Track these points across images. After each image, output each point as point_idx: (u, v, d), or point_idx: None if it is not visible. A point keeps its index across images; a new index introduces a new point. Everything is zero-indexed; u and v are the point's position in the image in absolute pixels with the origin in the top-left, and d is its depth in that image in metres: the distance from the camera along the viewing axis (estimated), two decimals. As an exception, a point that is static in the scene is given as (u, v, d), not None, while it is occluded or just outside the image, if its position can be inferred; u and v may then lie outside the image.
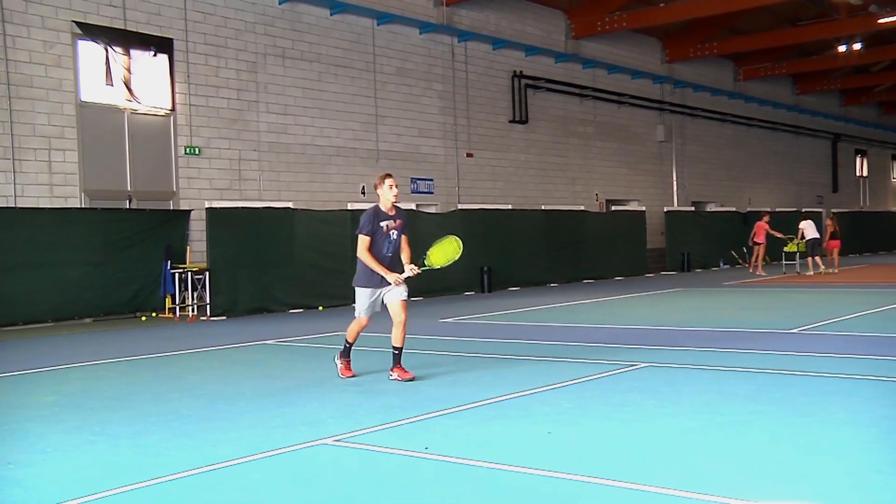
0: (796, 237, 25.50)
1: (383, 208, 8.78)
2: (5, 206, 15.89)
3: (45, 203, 16.49)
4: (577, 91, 28.60)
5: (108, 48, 17.40)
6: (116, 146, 17.82)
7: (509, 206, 24.30)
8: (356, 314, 8.89)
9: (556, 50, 27.79)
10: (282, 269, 18.00)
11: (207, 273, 16.96)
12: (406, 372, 8.68)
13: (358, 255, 8.68)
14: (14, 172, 16.23)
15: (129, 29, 17.78)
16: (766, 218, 26.28)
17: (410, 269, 8.67)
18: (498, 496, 4.93)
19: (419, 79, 23.76)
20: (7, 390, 9.13)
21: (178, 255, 17.46)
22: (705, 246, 30.40)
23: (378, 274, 8.59)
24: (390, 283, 8.62)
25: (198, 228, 18.05)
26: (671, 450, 5.80)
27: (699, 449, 5.81)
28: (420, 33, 23.71)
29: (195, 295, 17.29)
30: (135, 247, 16.98)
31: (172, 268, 17.15)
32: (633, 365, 9.26)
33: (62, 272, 16.02)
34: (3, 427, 7.16)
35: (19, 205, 16.08)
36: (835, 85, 40.77)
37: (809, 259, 25.00)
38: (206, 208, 17.22)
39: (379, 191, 8.79)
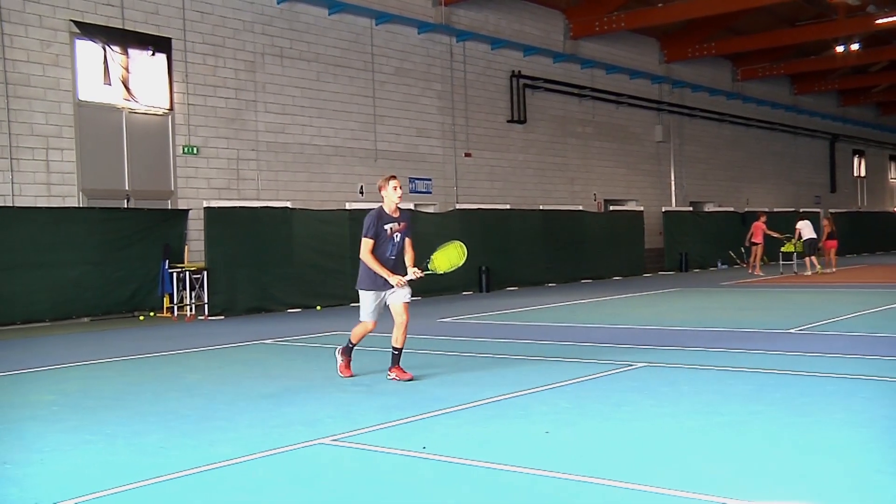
0: (793, 237, 25.53)
1: (387, 210, 8.72)
2: (3, 205, 15.85)
3: (42, 202, 16.46)
4: (575, 91, 28.60)
5: (106, 47, 17.38)
6: (114, 145, 17.80)
7: (508, 206, 24.30)
8: (362, 318, 8.79)
9: (555, 50, 27.79)
10: (280, 268, 17.99)
11: (205, 272, 16.95)
12: (404, 372, 8.67)
13: (361, 257, 8.65)
14: (12, 172, 16.20)
15: (126, 28, 17.76)
16: (763, 218, 26.29)
17: (413, 273, 8.63)
18: (496, 496, 4.93)
19: (418, 78, 23.75)
20: (5, 390, 9.12)
21: (176, 254, 17.44)
22: (703, 246, 30.42)
23: (382, 276, 8.56)
24: (412, 278, 8.58)
25: (196, 228, 18.03)
26: (670, 450, 5.79)
27: (698, 449, 5.80)
28: (418, 33, 23.70)
29: (193, 294, 17.27)
30: (133, 246, 16.96)
31: (170, 267, 17.14)
32: (631, 365, 9.26)
33: (60, 272, 16.00)
34: (2, 426, 7.15)
35: (17, 204, 16.05)
36: (833, 85, 40.81)
37: (807, 259, 25.02)
38: (204, 208, 17.21)
39: (383, 192, 8.71)
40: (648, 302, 17.89)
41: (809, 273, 24.58)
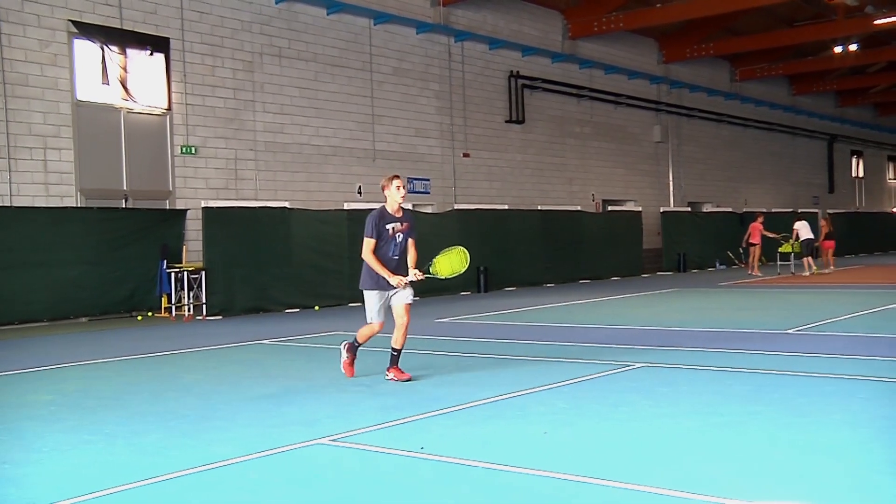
0: (790, 237, 25.57)
1: (390, 210, 8.67)
2: (1, 205, 15.84)
3: (40, 202, 16.45)
4: (573, 91, 28.61)
5: (105, 47, 17.37)
6: (112, 145, 17.78)
7: (506, 207, 24.31)
8: (369, 319, 8.72)
9: (553, 50, 27.80)
10: (278, 268, 17.98)
11: (203, 272, 16.94)
12: (403, 373, 8.66)
13: (363, 257, 8.62)
14: (10, 171, 16.19)
15: (125, 28, 17.75)
16: (760, 219, 26.33)
17: (414, 274, 8.58)
18: (495, 496, 4.93)
19: (416, 79, 23.75)
20: (3, 390, 9.11)
21: (174, 254, 17.44)
22: (701, 246, 30.44)
23: (389, 268, 8.51)
24: (412, 279, 8.54)
25: (194, 228, 18.01)
26: (668, 450, 5.79)
27: (696, 449, 5.81)
28: (417, 33, 23.70)
29: (191, 294, 17.26)
30: (131, 246, 16.95)
31: (168, 267, 17.13)
32: (629, 365, 9.26)
33: (58, 271, 15.99)
34: (0, 426, 7.15)
35: (15, 204, 16.04)
36: (831, 86, 40.84)
37: (805, 259, 25.04)
38: (203, 208, 17.20)
39: (386, 192, 8.67)
40: (646, 302, 17.89)
41: (807, 273, 24.60)
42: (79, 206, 16.93)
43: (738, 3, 26.97)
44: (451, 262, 8.83)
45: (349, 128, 21.99)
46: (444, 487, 5.12)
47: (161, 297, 17.23)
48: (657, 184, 32.66)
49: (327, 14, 21.51)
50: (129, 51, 17.81)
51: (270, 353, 11.48)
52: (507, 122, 26.43)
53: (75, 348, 12.59)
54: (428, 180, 23.92)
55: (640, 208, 29.34)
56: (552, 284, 24.27)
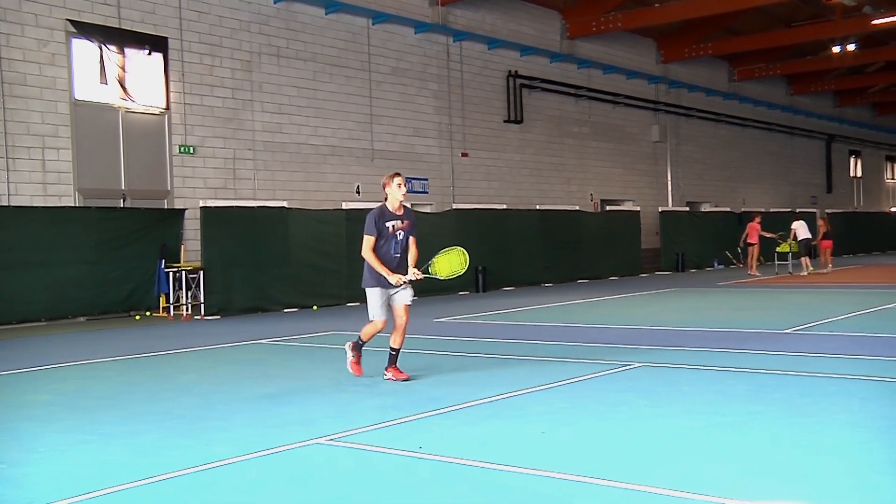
0: (787, 237, 25.60)
1: (391, 208, 8.62)
2: (-1, 204, 15.85)
3: (38, 202, 16.43)
4: (572, 91, 28.61)
5: (103, 46, 17.36)
6: (111, 145, 17.77)
7: (504, 206, 24.30)
8: (371, 317, 8.65)
9: (552, 50, 27.80)
10: (276, 268, 17.97)
11: (202, 272, 16.92)
12: (401, 372, 8.65)
13: (362, 254, 8.58)
14: (7, 171, 16.17)
15: (123, 27, 17.74)
16: (757, 219, 26.36)
17: (413, 273, 8.54)
18: (493, 496, 4.92)
19: (414, 78, 23.75)
20: (1, 390, 9.09)
21: (172, 254, 17.43)
22: (700, 246, 30.45)
23: (391, 266, 8.46)
24: (412, 279, 8.50)
25: (192, 227, 18.00)
26: (667, 450, 5.79)
27: (696, 449, 5.80)
28: (415, 33, 23.69)
29: (189, 294, 17.25)
30: (129, 246, 16.94)
31: (167, 267, 17.12)
32: (627, 365, 9.25)
33: (56, 271, 15.97)
34: (-4, 426, 7.13)
35: (13, 203, 16.02)
36: (829, 86, 40.87)
37: (802, 259, 25.05)
38: (201, 207, 17.18)
39: (387, 190, 8.63)
40: (645, 302, 17.89)
41: (805, 273, 24.61)
42: (77, 205, 16.92)
43: (736, 3, 26.99)
44: (451, 263, 8.78)
45: (347, 127, 21.99)
46: (442, 487, 5.11)
47: (159, 296, 17.22)
48: (655, 183, 32.66)
49: (325, 14, 21.51)
50: (127, 50, 17.79)
51: (268, 353, 11.47)
52: (505, 121, 26.43)
53: (73, 348, 12.58)
54: (426, 180, 23.91)
55: (638, 208, 29.36)
56: (550, 284, 24.27)
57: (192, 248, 17.90)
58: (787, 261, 26.25)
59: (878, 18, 28.94)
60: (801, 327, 12.31)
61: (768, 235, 25.97)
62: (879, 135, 48.97)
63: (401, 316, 8.63)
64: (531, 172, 27.31)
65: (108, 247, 16.66)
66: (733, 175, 37.20)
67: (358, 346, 8.91)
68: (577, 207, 27.07)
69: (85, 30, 17.13)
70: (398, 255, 8.60)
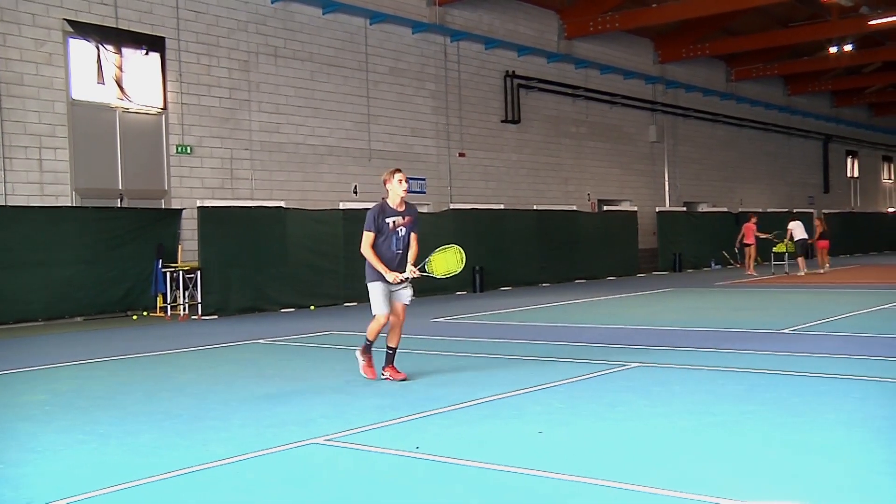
0: (783, 236, 25.66)
1: (392, 204, 8.57)
2: (-4, 204, 15.84)
3: (35, 202, 16.42)
4: (569, 91, 28.62)
5: (100, 46, 17.35)
6: (108, 145, 17.76)
7: (501, 206, 24.31)
8: (374, 311, 8.58)
9: (549, 50, 27.81)
10: (274, 268, 17.97)
11: (199, 272, 16.92)
12: (398, 372, 8.66)
13: (361, 251, 8.53)
14: (4, 171, 16.16)
15: (120, 27, 17.73)
16: (753, 219, 26.43)
17: (411, 271, 8.48)
18: (490, 496, 4.93)
19: (412, 78, 23.75)
20: (-3, 389, 9.10)
21: (169, 253, 17.42)
22: (697, 246, 30.48)
23: (392, 264, 8.42)
24: (409, 276, 8.43)
25: (189, 227, 18.00)
26: (663, 449, 5.80)
27: (691, 449, 5.81)
28: (413, 33, 23.69)
29: (186, 294, 17.25)
30: (126, 245, 16.93)
31: (164, 266, 17.11)
32: (624, 365, 9.27)
33: (53, 271, 15.97)
34: (-6, 426, 7.13)
35: (10, 203, 16.01)
36: (826, 86, 40.92)
37: (799, 259, 25.09)
38: (198, 207, 17.18)
39: (388, 186, 8.58)
40: (642, 302, 17.91)
41: (802, 273, 24.64)
42: (74, 205, 16.91)
43: (733, 4, 27.02)
44: (447, 261, 8.71)
45: (345, 127, 21.99)
46: (439, 487, 5.12)
47: (156, 296, 17.21)
48: (653, 184, 32.69)
49: (323, 13, 21.50)
50: (124, 50, 17.79)
51: (266, 353, 11.47)
52: (502, 121, 26.44)
53: (70, 348, 12.57)
54: (424, 180, 23.92)
55: (635, 208, 29.39)
56: (548, 284, 24.28)
57: (189, 248, 17.89)
58: (783, 261, 26.29)
59: (875, 19, 28.98)
60: (797, 327, 12.33)
61: (763, 236, 26.02)
62: (876, 135, 49.03)
63: (398, 315, 8.63)
64: (528, 172, 27.33)
65: (105, 246, 16.66)
66: (730, 175, 37.24)
67: (367, 349, 8.78)
68: (575, 207, 27.09)
69: (82, 29, 17.13)
70: (400, 252, 8.55)
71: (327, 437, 6.32)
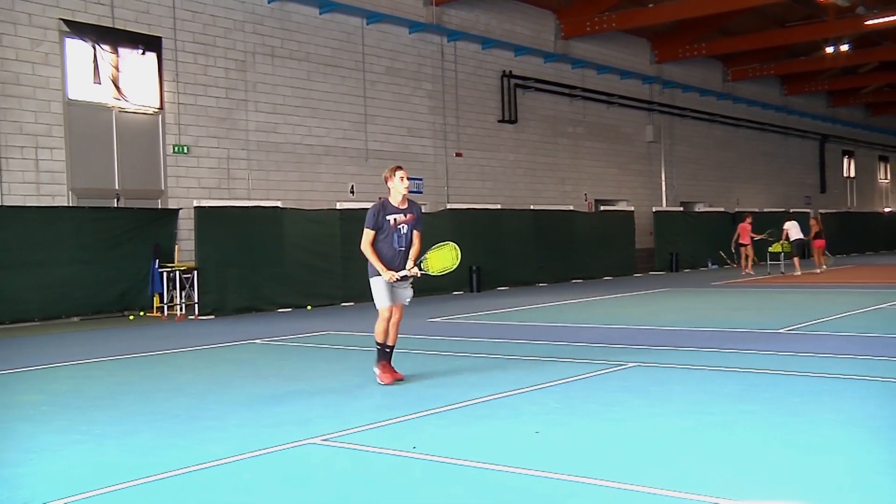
0: (778, 237, 25.70)
1: (393, 202, 8.52)
2: (-8, 204, 15.82)
3: (31, 202, 16.40)
4: (566, 91, 28.63)
5: (96, 46, 17.33)
6: (104, 144, 17.74)
7: (498, 206, 24.32)
8: (378, 306, 8.47)
9: (546, 50, 27.82)
10: (271, 268, 17.96)
11: (196, 272, 16.91)
12: (395, 372, 8.64)
13: (361, 248, 8.49)
14: (0, 171, 16.14)
15: (117, 27, 17.71)
16: (748, 219, 26.48)
17: (408, 269, 8.41)
18: (487, 496, 4.93)
19: (409, 78, 23.75)
20: (-6, 389, 9.09)
21: (166, 253, 17.40)
22: (694, 246, 30.51)
23: (394, 261, 8.37)
24: (406, 274, 8.38)
25: (186, 227, 17.99)
26: (660, 449, 5.80)
27: (688, 448, 5.82)
28: (409, 33, 23.69)
29: (183, 294, 17.23)
30: (123, 245, 16.92)
31: (160, 267, 17.10)
32: (621, 364, 9.27)
33: (50, 271, 15.95)
34: (-10, 426, 7.12)
35: (6, 203, 15.99)
36: (823, 86, 40.98)
37: (795, 259, 25.13)
38: (195, 207, 17.17)
39: (390, 184, 8.52)
40: (639, 302, 17.92)
41: (798, 273, 24.67)
42: (70, 205, 16.89)
43: (729, 4, 27.06)
44: (442, 258, 8.62)
45: (342, 127, 21.98)
46: (436, 487, 5.12)
47: (153, 296, 17.20)
48: (649, 183, 32.71)
49: (320, 13, 21.50)
50: (121, 50, 17.77)
51: (263, 353, 11.46)
52: (499, 121, 26.44)
53: (67, 348, 12.56)
54: (421, 180, 23.91)
55: (632, 208, 29.40)
56: (545, 284, 24.29)
57: (186, 248, 17.88)
58: (779, 261, 26.32)
59: (871, 19, 29.05)
60: (793, 327, 12.34)
61: (757, 237, 26.07)
62: (872, 135, 49.10)
63: (396, 313, 8.61)
64: (525, 172, 27.33)
65: (102, 247, 16.64)
66: (727, 175, 37.27)
67: (381, 355, 8.53)
68: (572, 207, 27.09)
69: (78, 29, 17.11)
70: (402, 249, 8.49)
71: (324, 437, 6.32)
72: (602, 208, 28.63)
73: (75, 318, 16.50)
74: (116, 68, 17.66)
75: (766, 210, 34.38)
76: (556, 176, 28.51)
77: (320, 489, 5.15)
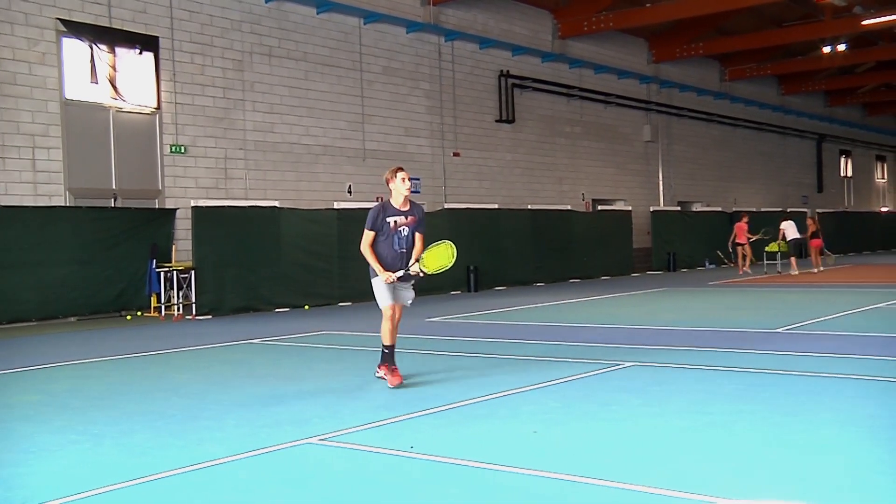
0: (772, 236, 25.74)
1: (395, 203, 8.47)
2: (-11, 204, 15.79)
3: (29, 201, 16.37)
4: (563, 91, 28.64)
5: (93, 46, 17.31)
6: (101, 144, 17.72)
7: (496, 206, 24.31)
8: (381, 305, 8.43)
9: (543, 50, 27.82)
10: (268, 268, 17.94)
11: (193, 272, 16.89)
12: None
13: (360, 249, 8.47)
14: (-2, 170, 16.13)
15: (114, 27, 17.69)
16: (745, 219, 26.51)
17: (403, 271, 8.32)
18: (485, 496, 4.93)
19: (406, 78, 23.74)
20: (-9, 390, 9.07)
21: (163, 253, 17.39)
22: (691, 246, 30.52)
23: (395, 263, 8.33)
24: (408, 274, 8.34)
25: (183, 227, 17.97)
26: (658, 449, 5.80)
27: (686, 448, 5.82)
28: (407, 32, 23.68)
29: (181, 294, 17.22)
30: (120, 245, 16.90)
31: (158, 266, 17.08)
32: (619, 364, 9.27)
33: (47, 271, 15.92)
34: (-13, 427, 7.11)
35: (3, 203, 15.95)
36: (820, 86, 41.01)
37: (792, 259, 25.15)
38: (192, 207, 17.15)
39: (391, 185, 8.47)
40: (637, 301, 17.93)
41: (795, 273, 24.69)
42: (68, 205, 16.86)
43: (727, 4, 27.06)
44: (438, 257, 8.50)
45: (339, 127, 21.97)
46: (433, 487, 5.11)
47: (150, 296, 17.19)
48: (647, 183, 32.72)
49: (317, 13, 21.48)
50: (118, 49, 17.75)
51: (260, 353, 11.46)
52: (497, 121, 26.44)
53: (64, 348, 12.54)
54: (418, 180, 23.89)
55: (630, 208, 29.40)
56: (542, 284, 24.29)
57: (183, 248, 17.86)
58: (775, 260, 26.34)
59: (868, 19, 29.07)
60: (791, 326, 12.35)
61: (753, 238, 26.09)
62: (869, 134, 49.15)
63: (395, 313, 8.59)
64: (523, 172, 27.33)
65: (99, 247, 16.62)
66: (725, 175, 37.30)
67: (386, 358, 8.46)
68: (569, 207, 27.08)
69: (75, 29, 17.08)
70: (403, 251, 8.43)
71: (321, 437, 6.32)
72: (599, 208, 28.63)
73: (72, 318, 16.48)
74: (113, 68, 17.64)
75: (763, 210, 34.39)
76: (553, 176, 28.51)
77: (318, 489, 5.14)
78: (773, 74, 38.52)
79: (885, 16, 28.78)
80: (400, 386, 8.24)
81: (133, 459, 5.89)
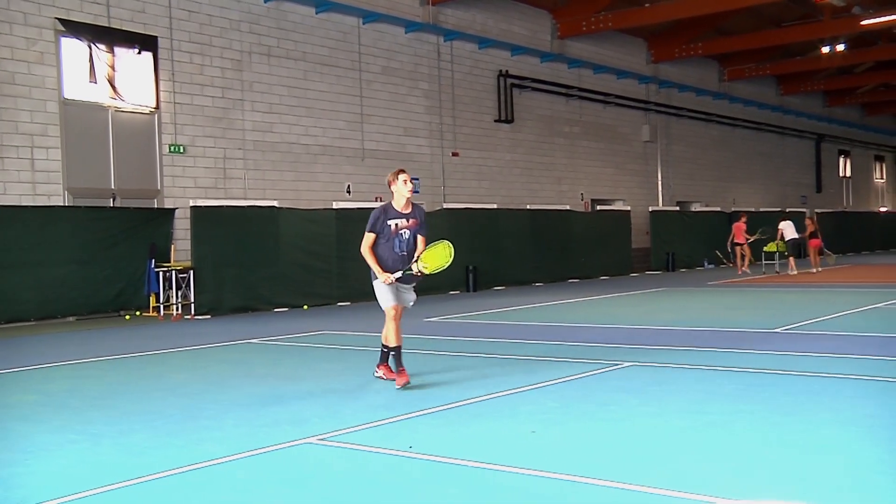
0: (771, 236, 25.75)
1: (396, 206, 8.41)
2: (-13, 204, 15.77)
3: (27, 201, 16.36)
4: (562, 91, 28.64)
5: (92, 45, 17.29)
6: (100, 144, 17.71)
7: (495, 206, 24.31)
8: (384, 306, 8.41)
9: (542, 50, 27.82)
10: (267, 268, 17.94)
11: (192, 272, 16.88)
12: (392, 371, 8.63)
13: (360, 251, 8.45)
14: (-4, 170, 16.12)
15: (113, 26, 17.67)
16: (743, 219, 26.53)
17: (408, 268, 8.26)
18: (484, 495, 4.92)
19: (405, 78, 23.74)
20: (-11, 389, 9.06)
21: (162, 253, 17.38)
22: (690, 246, 30.53)
23: (396, 265, 8.29)
24: (409, 275, 8.30)
25: (182, 227, 17.96)
26: (658, 449, 5.80)
27: (685, 448, 5.81)
28: (406, 32, 23.68)
29: (179, 294, 17.21)
30: (119, 245, 16.89)
31: (157, 266, 17.07)
32: (618, 364, 9.27)
33: (45, 271, 15.91)
34: (-15, 426, 7.10)
35: (2, 203, 15.94)
36: (819, 86, 41.03)
37: (790, 259, 25.14)
38: (191, 207, 17.14)
39: (393, 187, 8.40)
40: (635, 301, 17.93)
41: (793, 273, 24.69)
42: (66, 205, 16.85)
43: (726, 4, 27.07)
44: (436, 257, 8.45)
45: (338, 127, 21.96)
46: (432, 487, 5.11)
47: (149, 296, 17.17)
48: (646, 183, 32.72)
49: (316, 13, 21.47)
50: (116, 49, 17.73)
51: (259, 353, 11.45)
52: (496, 121, 26.44)
53: (63, 348, 12.53)
54: (417, 179, 23.86)
55: (629, 208, 29.40)
56: (541, 284, 24.29)
57: (182, 248, 17.85)
58: (773, 260, 26.34)
59: (867, 19, 29.09)
60: (790, 326, 12.35)
61: (751, 238, 26.10)
62: (868, 135, 49.18)
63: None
64: (522, 172, 27.33)
65: (98, 246, 16.61)
66: (724, 175, 37.31)
67: (392, 359, 8.42)
68: (568, 207, 27.09)
69: (74, 28, 17.07)
70: (403, 254, 8.38)
71: (320, 437, 6.31)
72: (598, 208, 28.63)
73: (71, 318, 16.47)
74: (112, 68, 17.62)
75: (762, 210, 34.40)
76: (552, 175, 28.51)
77: (317, 489, 5.14)
78: (771, 74, 38.53)
79: (883, 16, 28.81)
80: (407, 386, 8.19)
81: (131, 459, 5.89)
